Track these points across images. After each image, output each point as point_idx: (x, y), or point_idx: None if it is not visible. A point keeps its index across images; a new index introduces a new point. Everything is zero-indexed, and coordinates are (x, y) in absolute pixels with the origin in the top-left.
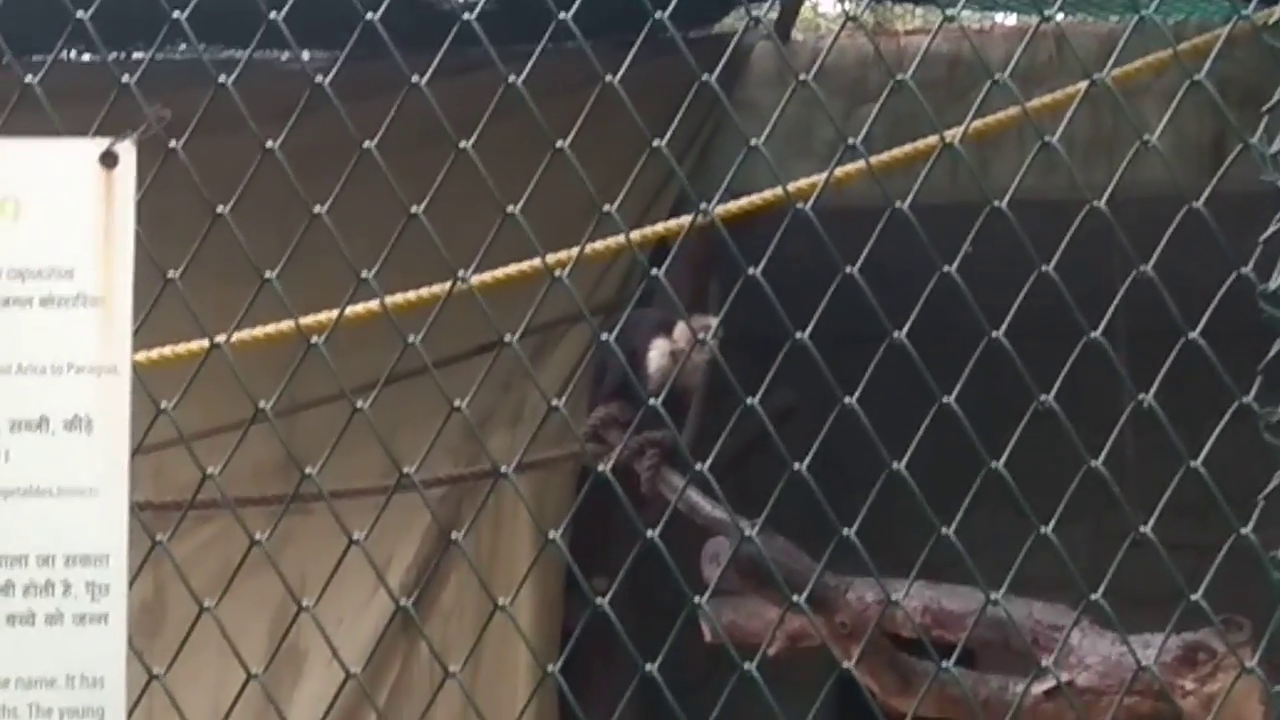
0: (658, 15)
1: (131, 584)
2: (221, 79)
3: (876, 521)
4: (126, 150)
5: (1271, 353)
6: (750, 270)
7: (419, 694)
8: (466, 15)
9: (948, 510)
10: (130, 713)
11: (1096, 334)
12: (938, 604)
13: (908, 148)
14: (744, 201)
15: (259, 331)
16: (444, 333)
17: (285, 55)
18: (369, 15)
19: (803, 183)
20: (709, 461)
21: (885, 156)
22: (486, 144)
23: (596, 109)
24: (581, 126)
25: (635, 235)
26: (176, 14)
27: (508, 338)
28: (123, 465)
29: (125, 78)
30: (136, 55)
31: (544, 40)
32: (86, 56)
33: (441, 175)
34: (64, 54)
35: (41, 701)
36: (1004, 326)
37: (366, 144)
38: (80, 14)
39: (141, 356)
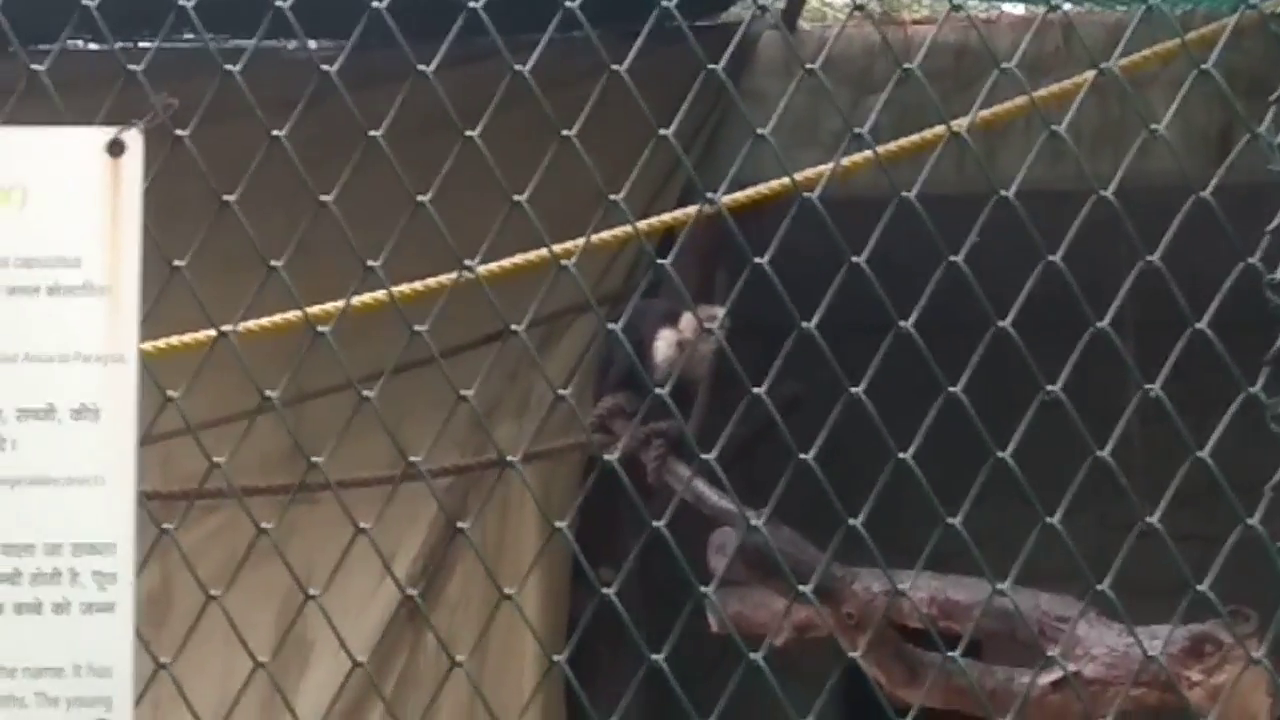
0: (664, 4)
1: (139, 573)
2: (228, 68)
3: (883, 512)
4: (133, 139)
5: (1279, 343)
6: (757, 260)
7: (425, 684)
8: (473, 4)
9: (954, 501)
10: (137, 702)
11: (1103, 324)
12: (944, 595)
13: (914, 137)
14: (750, 191)
15: (266, 321)
16: (450, 322)
17: (292, 44)
18: (375, 3)
19: (809, 172)
20: (715, 452)
21: (892, 146)
22: (493, 133)
23: (602, 99)
24: (588, 116)
25: (642, 225)
26: (183, 2)
27: (514, 327)
28: (130, 454)
29: (132, 66)
30: (143, 44)
31: (550, 29)
32: (93, 45)
33: (448, 164)
34: (71, 42)
35: (49, 690)
36: (1011, 317)
37: (373, 133)
38: (87, 1)
39: (148, 345)
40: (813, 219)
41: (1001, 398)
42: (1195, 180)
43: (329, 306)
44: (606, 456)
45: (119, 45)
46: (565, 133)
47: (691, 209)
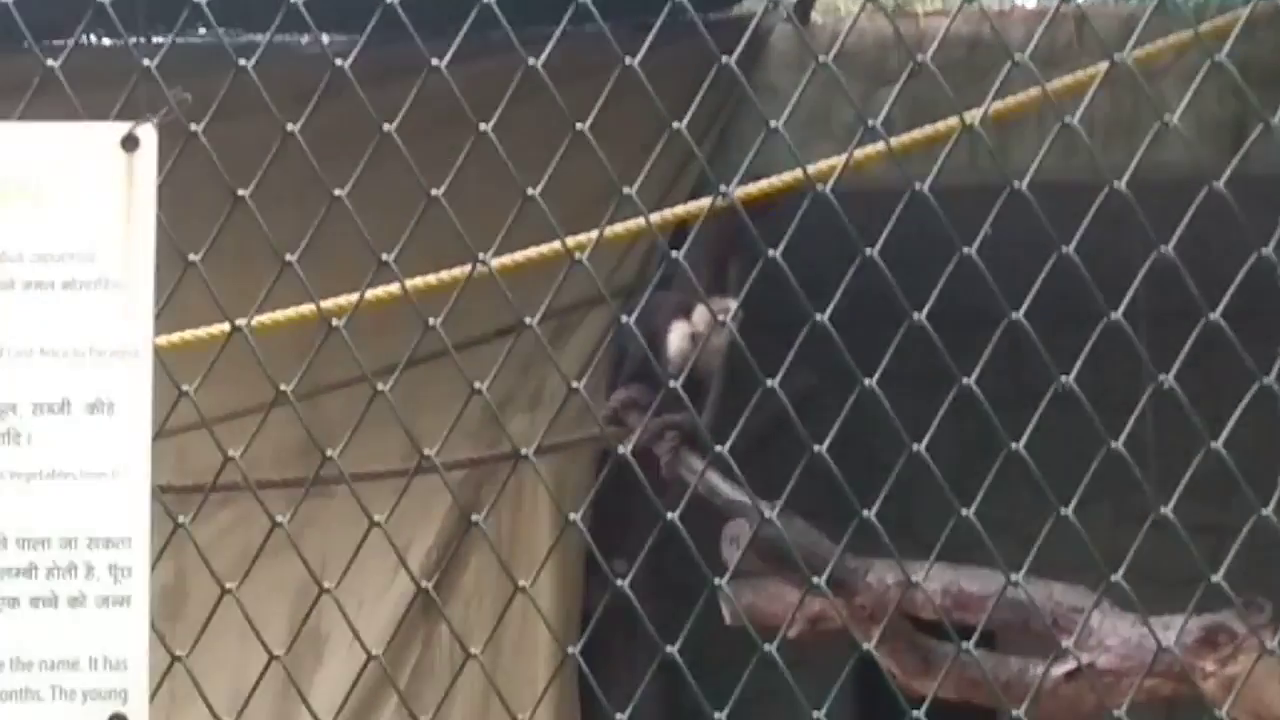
0: None
1: (154, 567)
2: (242, 63)
3: (896, 504)
4: (148, 134)
5: None
6: (770, 252)
7: (439, 676)
8: None
9: (967, 492)
10: (153, 695)
11: (1117, 315)
12: (958, 586)
13: (927, 130)
14: (764, 184)
15: (280, 315)
16: (463, 316)
17: (305, 39)
18: None
19: (822, 165)
20: (729, 444)
21: (905, 138)
22: (505, 127)
23: (615, 92)
24: (600, 110)
25: (655, 218)
26: None
27: (528, 320)
28: (144, 448)
29: (146, 62)
30: (157, 39)
31: (564, 23)
32: (107, 41)
33: (461, 158)
34: (85, 38)
35: (65, 684)
36: (1024, 308)
37: (386, 127)
38: None
39: (163, 340)
40: (826, 211)
41: (1015, 389)
42: (1209, 171)
43: (343, 300)
44: (620, 449)
45: (133, 41)
46: (579, 126)
47: (704, 202)
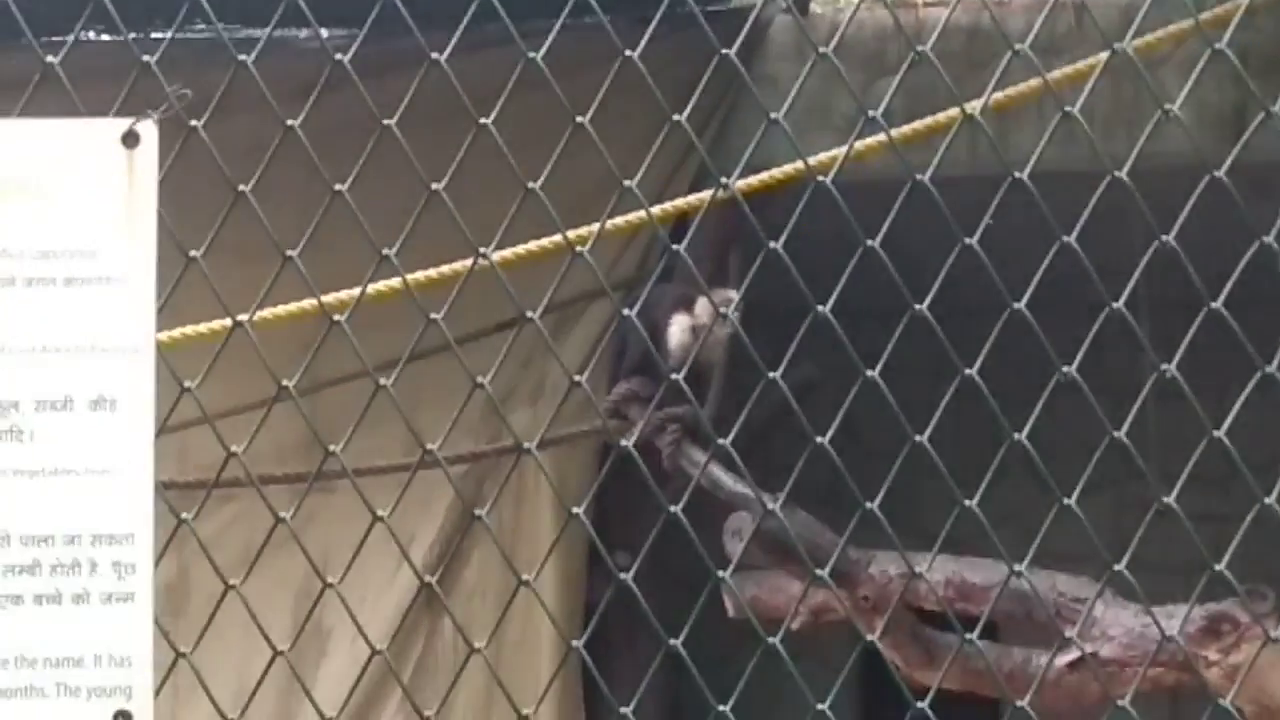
0: None
1: (157, 563)
2: (242, 58)
3: (899, 495)
4: (148, 130)
5: None
6: (771, 244)
7: (443, 671)
8: None
9: (970, 483)
10: (157, 691)
11: (1119, 304)
12: (960, 577)
13: (928, 120)
14: (764, 175)
15: (281, 310)
16: (464, 310)
17: (305, 34)
18: None
19: (823, 156)
20: (731, 436)
21: (905, 129)
22: (505, 121)
23: (615, 85)
24: (601, 103)
25: (655, 210)
26: None
27: (529, 314)
28: (147, 445)
29: (146, 58)
30: (156, 35)
31: (563, 16)
32: (106, 36)
33: (462, 152)
34: (84, 34)
35: (69, 681)
36: (1026, 298)
37: (387, 121)
38: None
39: (164, 336)
40: (826, 202)
41: (1017, 379)
42: (1210, 160)
43: (344, 295)
44: (622, 442)
45: (132, 36)
46: (579, 119)
47: (705, 194)
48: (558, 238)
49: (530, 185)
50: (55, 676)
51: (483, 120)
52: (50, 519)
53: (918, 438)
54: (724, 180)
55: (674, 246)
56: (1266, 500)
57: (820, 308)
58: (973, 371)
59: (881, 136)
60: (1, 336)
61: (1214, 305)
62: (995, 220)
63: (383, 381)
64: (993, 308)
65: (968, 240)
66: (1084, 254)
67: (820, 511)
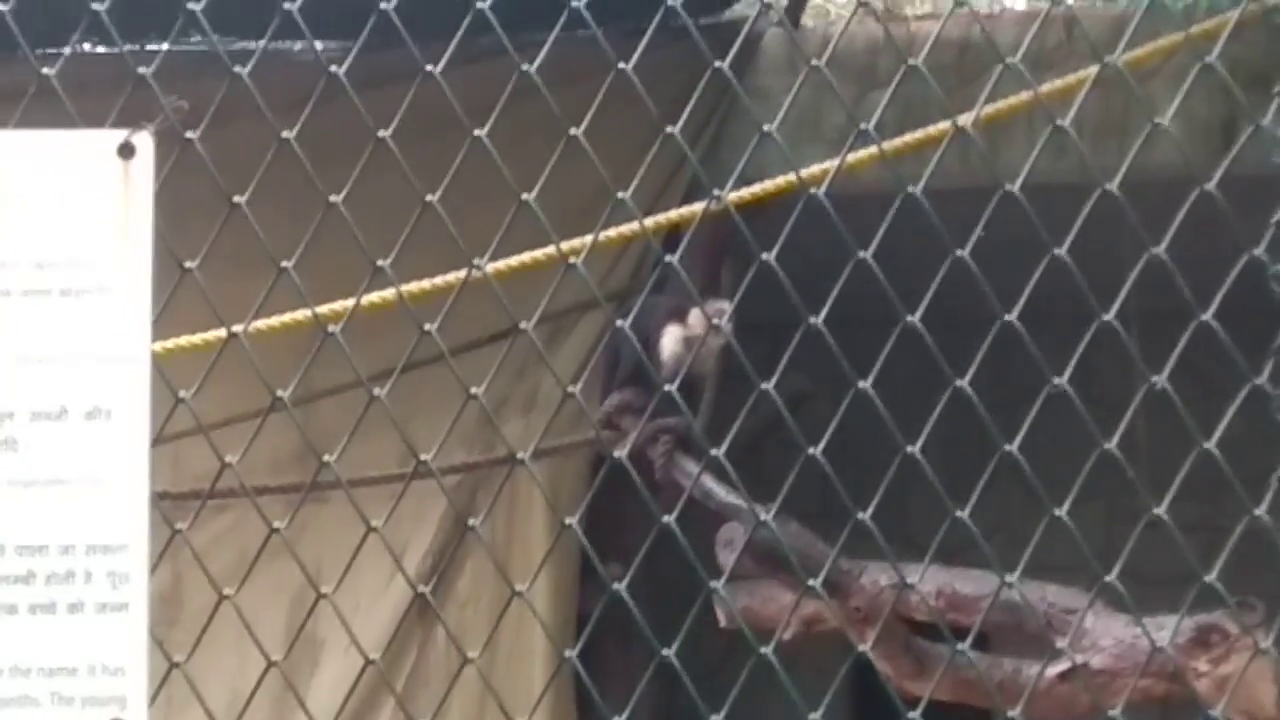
0: (669, 2)
1: (151, 573)
2: (237, 69)
3: (890, 506)
4: (143, 141)
5: None
6: (764, 256)
7: (435, 681)
8: (480, 4)
9: (961, 494)
10: (151, 701)
11: (1109, 317)
12: (951, 587)
13: (919, 133)
14: (756, 188)
15: (275, 320)
16: (458, 321)
17: (299, 45)
18: (383, 4)
19: (814, 168)
20: (723, 447)
21: (897, 142)
22: (499, 132)
23: (608, 97)
24: (594, 115)
25: (648, 222)
26: (192, 5)
27: (522, 325)
28: (142, 455)
29: (141, 69)
30: (152, 47)
31: (557, 28)
32: (102, 49)
33: (456, 163)
34: (80, 46)
35: (63, 690)
36: (1017, 310)
37: (381, 133)
38: (96, 6)
39: (159, 346)
40: (818, 214)
41: (1008, 391)
42: (1199, 173)
43: (338, 306)
44: (615, 453)
45: (128, 49)
46: (573, 131)
47: (697, 205)
48: (551, 249)
49: (524, 196)
50: (50, 686)
51: (477, 132)
52: (45, 529)
53: (909, 448)
54: (717, 192)
55: (667, 258)
56: (1256, 512)
57: (812, 319)
58: (964, 383)
59: (873, 149)
60: None
61: (1204, 317)
62: (986, 232)
63: (377, 392)
64: (984, 319)
65: (959, 252)
66: (1074, 266)
67: (812, 522)
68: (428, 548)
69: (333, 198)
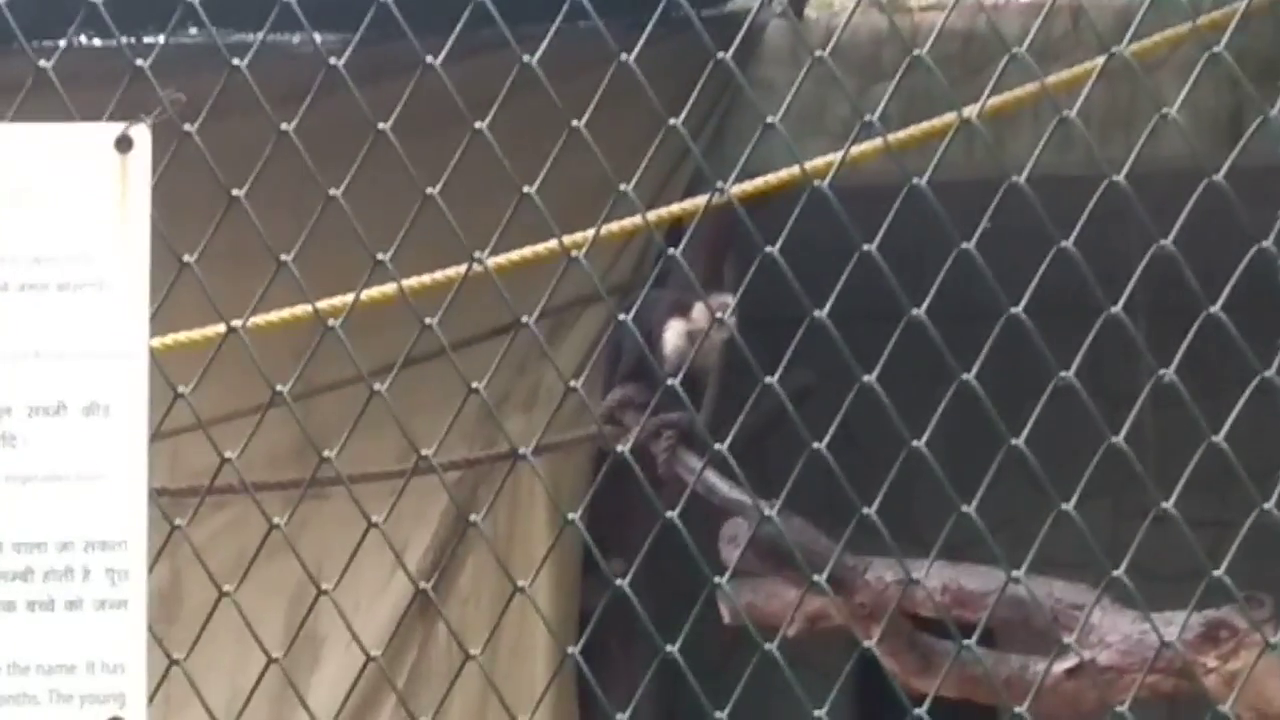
0: None
1: (150, 570)
2: (235, 62)
3: (895, 501)
4: (141, 134)
5: None
6: (767, 248)
7: (437, 678)
8: None
9: (967, 489)
10: (150, 698)
11: (1116, 309)
12: (957, 583)
13: (924, 125)
14: (759, 181)
15: (275, 315)
16: (459, 315)
17: (298, 38)
18: None
19: (818, 161)
20: (727, 442)
21: (901, 134)
22: (500, 125)
23: (610, 89)
24: (596, 107)
25: (651, 215)
26: None
27: (524, 319)
28: (140, 451)
29: (139, 62)
30: (149, 39)
31: (558, 20)
32: (99, 41)
33: (457, 156)
34: (77, 39)
35: (62, 688)
36: (1023, 303)
37: (381, 126)
38: None
39: (157, 341)
40: (822, 207)
41: (1014, 384)
42: (1207, 164)
43: (337, 300)
44: (617, 448)
45: (125, 41)
46: (575, 123)
47: (700, 199)
48: (553, 243)
49: (526, 189)
50: (48, 683)
51: (478, 124)
52: (43, 525)
53: (915, 443)
54: (720, 185)
55: (670, 251)
56: (1265, 506)
57: (817, 312)
58: (970, 376)
59: (878, 141)
60: None
61: (1212, 310)
62: (992, 225)
63: (377, 387)
64: (990, 312)
65: (965, 245)
66: (1081, 258)
67: (816, 517)
68: (429, 544)
69: (332, 191)
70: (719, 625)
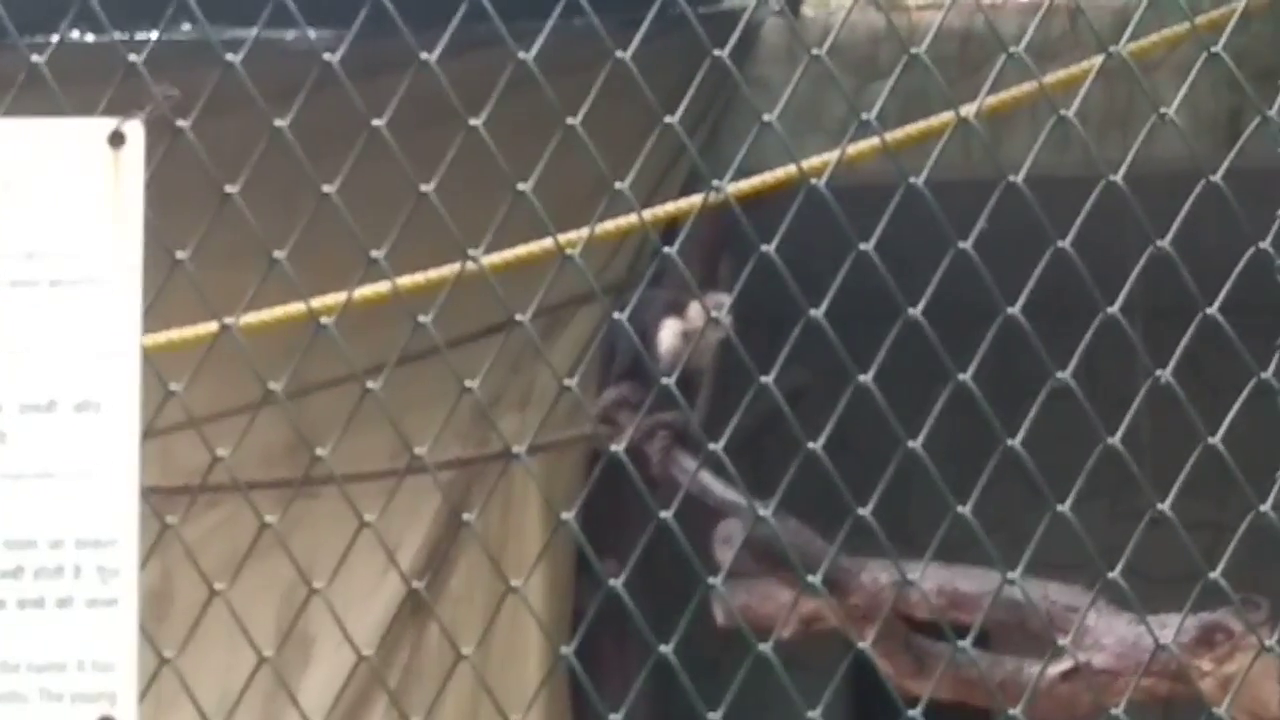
0: None
1: (142, 568)
2: (229, 58)
3: (890, 502)
4: (134, 130)
5: None
6: (763, 248)
7: (428, 678)
8: None
9: (962, 490)
10: (141, 697)
11: (1113, 310)
12: (952, 585)
13: (921, 124)
14: (755, 180)
15: (268, 313)
16: (453, 313)
17: (292, 34)
18: None
19: (815, 160)
20: (721, 442)
21: (898, 133)
22: (495, 122)
23: (605, 86)
24: (591, 105)
25: (646, 214)
26: None
27: (519, 318)
28: (132, 448)
29: (132, 57)
30: (143, 35)
31: (553, 17)
32: (92, 36)
33: (451, 153)
34: (70, 34)
35: (52, 686)
36: (1020, 303)
37: (376, 122)
38: None
39: (150, 339)
40: (818, 206)
41: (1010, 385)
42: (1205, 164)
43: (330, 299)
44: (611, 448)
45: (118, 36)
46: (570, 121)
47: (696, 197)
48: (547, 241)
49: (520, 187)
50: (38, 682)
51: (472, 121)
52: (33, 523)
53: (910, 444)
54: (715, 183)
55: (665, 250)
56: (1262, 508)
57: (813, 312)
58: (966, 377)
59: (874, 140)
60: None
61: (1209, 311)
62: (989, 225)
63: (370, 385)
64: (986, 313)
65: (961, 245)
66: (1078, 259)
67: (811, 518)
68: (421, 543)
69: (326, 188)
70: (714, 626)
